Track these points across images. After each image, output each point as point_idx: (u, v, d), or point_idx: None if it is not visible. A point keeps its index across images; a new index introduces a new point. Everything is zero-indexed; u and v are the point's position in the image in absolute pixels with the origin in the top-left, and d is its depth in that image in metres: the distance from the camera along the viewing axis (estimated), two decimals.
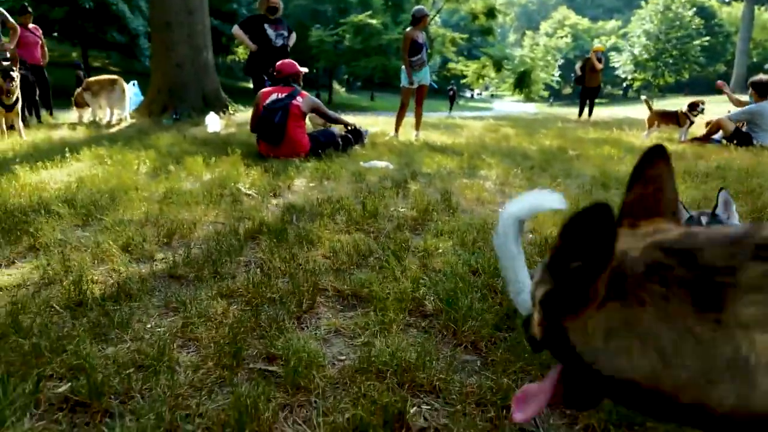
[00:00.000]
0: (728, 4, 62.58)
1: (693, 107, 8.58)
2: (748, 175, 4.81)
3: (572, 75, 14.35)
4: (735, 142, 7.66)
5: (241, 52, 35.66)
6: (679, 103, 9.92)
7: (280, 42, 7.32)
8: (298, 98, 5.55)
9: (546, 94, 39.99)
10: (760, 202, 3.77)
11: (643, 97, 11.47)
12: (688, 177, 4.84)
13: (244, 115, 10.67)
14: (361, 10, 29.54)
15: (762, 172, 4.98)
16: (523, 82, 26.38)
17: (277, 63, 5.87)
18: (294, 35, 7.62)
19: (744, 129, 7.83)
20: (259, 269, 2.51)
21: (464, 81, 28.96)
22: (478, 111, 29.94)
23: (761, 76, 8.04)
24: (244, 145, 6.43)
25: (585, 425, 1.47)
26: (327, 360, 1.78)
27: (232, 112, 11.43)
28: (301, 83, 5.98)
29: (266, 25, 7.18)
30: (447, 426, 1.46)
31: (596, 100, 15.05)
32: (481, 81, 27.57)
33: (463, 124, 12.17)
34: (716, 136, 8.12)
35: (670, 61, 46.50)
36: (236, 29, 7.30)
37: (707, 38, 48.19)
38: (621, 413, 1.44)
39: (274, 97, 5.54)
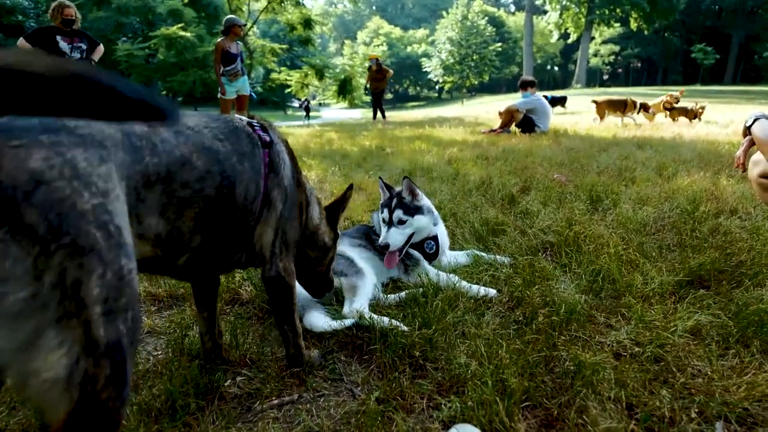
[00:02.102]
0: (513, 14, 71.98)
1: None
2: (524, 156, 5.73)
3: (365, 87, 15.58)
4: (520, 129, 8.96)
5: None
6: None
7: (76, 56, 6.67)
8: None
9: (369, 99, 42.13)
10: (529, 173, 4.57)
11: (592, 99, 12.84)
12: (480, 160, 5.61)
13: None
14: (173, 22, 28.08)
15: (535, 152, 5.96)
16: (345, 89, 27.36)
17: None
18: (101, 48, 6.98)
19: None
20: None
21: (288, 90, 29.11)
22: (307, 120, 30.33)
23: (523, 77, 9.81)
24: None
25: (378, 364, 1.74)
26: (141, 357, 1.82)
27: None
28: None
29: (59, 38, 6.50)
30: (259, 390, 1.62)
31: (412, 103, 16.33)
32: (305, 90, 27.99)
33: (289, 132, 12.34)
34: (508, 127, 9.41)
35: (473, 65, 51.93)
36: (21, 42, 6.50)
37: (500, 44, 54.79)
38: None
39: None
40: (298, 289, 1.84)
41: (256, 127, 1.50)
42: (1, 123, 0.86)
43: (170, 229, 1.19)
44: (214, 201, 1.28)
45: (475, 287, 2.20)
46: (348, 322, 1.93)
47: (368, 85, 15.30)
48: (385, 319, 1.91)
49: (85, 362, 0.80)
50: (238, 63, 8.31)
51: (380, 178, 2.68)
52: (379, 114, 15.45)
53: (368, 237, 2.55)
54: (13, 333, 0.75)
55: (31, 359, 0.76)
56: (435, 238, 2.56)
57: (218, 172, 1.29)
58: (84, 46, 6.68)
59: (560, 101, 17.40)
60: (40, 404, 0.80)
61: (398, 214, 2.41)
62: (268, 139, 1.50)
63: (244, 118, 1.54)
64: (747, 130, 2.32)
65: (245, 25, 8.36)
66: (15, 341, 0.75)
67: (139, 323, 0.95)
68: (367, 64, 16.44)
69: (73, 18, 6.53)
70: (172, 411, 1.46)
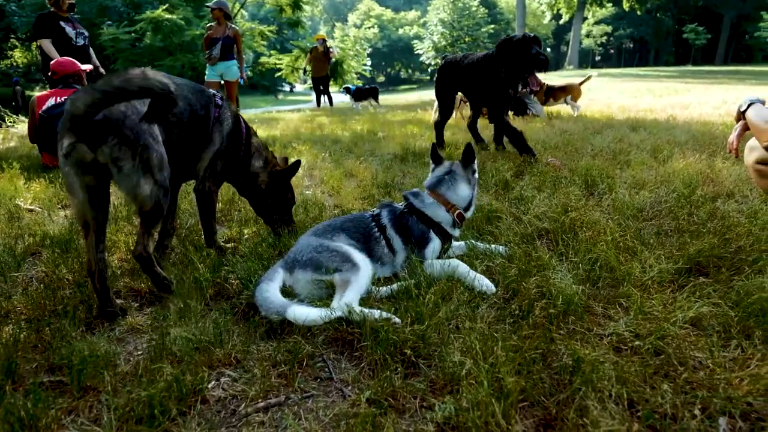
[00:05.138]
0: None
1: None
2: None
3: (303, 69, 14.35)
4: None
5: (19, 56, 30.85)
6: None
7: (81, 41, 6.52)
8: None
9: (360, 83, 41.61)
10: (522, 157, 4.49)
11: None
12: (474, 145, 5.51)
13: (25, 125, 9.36)
14: (158, 4, 27.42)
15: (528, 136, 5.84)
16: (336, 72, 27.00)
17: (52, 62, 5.25)
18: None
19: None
20: (41, 284, 2.31)
21: (279, 74, 28.72)
22: (298, 104, 29.96)
23: None
24: (26, 158, 5.70)
25: (368, 362, 1.67)
26: (121, 358, 1.74)
27: (10, 123, 9.94)
28: (86, 83, 5.44)
29: (63, 23, 6.34)
30: (244, 391, 1.54)
31: (404, 87, 15.87)
32: (295, 74, 27.55)
33: (280, 117, 12.14)
34: None
35: (465, 47, 51.36)
36: (45, 43, 6.23)
37: (492, 26, 54.18)
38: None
39: (51, 102, 4.96)
40: (274, 295, 1.98)
41: (216, 97, 2.57)
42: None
43: (167, 135, 2.22)
44: (186, 124, 2.36)
45: (472, 274, 2.13)
46: (337, 313, 1.85)
47: (307, 68, 14.28)
48: (376, 312, 1.84)
49: (156, 188, 2.02)
50: (215, 48, 8.21)
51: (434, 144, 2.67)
52: (368, 101, 14.94)
53: (366, 237, 2.31)
54: (129, 180, 1.95)
55: (139, 187, 1.97)
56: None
57: (191, 109, 2.39)
58: (86, 33, 6.62)
59: (370, 93, 14.86)
60: (141, 203, 2.01)
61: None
62: (219, 104, 2.57)
63: (213, 91, 2.59)
64: (741, 115, 2.26)
65: (219, 8, 8.14)
66: (131, 183, 1.95)
67: (169, 174, 2.12)
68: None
69: (74, 3, 6.44)
70: (152, 417, 1.39)
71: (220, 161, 2.59)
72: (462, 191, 2.48)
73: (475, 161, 2.54)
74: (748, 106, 2.21)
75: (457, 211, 2.45)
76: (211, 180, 2.60)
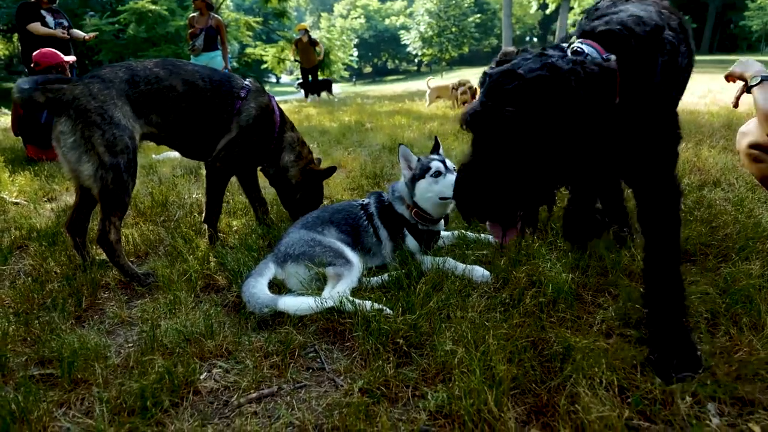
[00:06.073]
0: None
1: (461, 85, 9.59)
2: None
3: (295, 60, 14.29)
4: None
5: (0, 48, 30.19)
6: (464, 74, 10.98)
7: (60, 31, 6.45)
8: None
9: (347, 74, 41.37)
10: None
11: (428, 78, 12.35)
12: (462, 134, 5.51)
13: (7, 118, 9.19)
14: None
15: None
16: (322, 63, 26.85)
17: (35, 54, 5.15)
18: (80, 33, 6.73)
19: None
20: (29, 277, 2.28)
21: (264, 66, 28.46)
22: (284, 95, 29.68)
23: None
24: (10, 151, 5.60)
25: (360, 351, 1.67)
26: (112, 351, 1.72)
27: None
28: (69, 74, 5.34)
29: (44, 12, 6.24)
30: (236, 382, 1.54)
31: (392, 77, 15.81)
32: (281, 65, 27.35)
33: None
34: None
35: (452, 37, 51.25)
36: (33, 26, 6.14)
37: (478, 15, 54.05)
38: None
39: None
40: (262, 291, 1.95)
41: (244, 85, 2.62)
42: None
43: (163, 119, 2.39)
44: (188, 108, 2.44)
45: (462, 266, 2.13)
46: (328, 303, 1.84)
47: (293, 58, 14.15)
48: (368, 303, 1.84)
49: (102, 170, 2.13)
50: (198, 38, 8.10)
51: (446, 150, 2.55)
52: (324, 93, 14.84)
53: (355, 229, 2.31)
54: (72, 154, 2.12)
55: (80, 165, 2.13)
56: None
57: (193, 95, 2.45)
58: (66, 23, 6.58)
59: (324, 86, 15.20)
60: (87, 184, 2.16)
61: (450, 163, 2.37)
62: (243, 95, 2.59)
63: (245, 83, 2.63)
64: (746, 85, 2.14)
65: None
66: (74, 158, 2.12)
67: (134, 160, 2.23)
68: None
69: None
70: (144, 408, 1.38)
71: (237, 149, 2.61)
72: (417, 189, 2.31)
73: (433, 168, 2.29)
74: (761, 81, 2.07)
75: (414, 209, 2.34)
76: (221, 161, 2.60)
